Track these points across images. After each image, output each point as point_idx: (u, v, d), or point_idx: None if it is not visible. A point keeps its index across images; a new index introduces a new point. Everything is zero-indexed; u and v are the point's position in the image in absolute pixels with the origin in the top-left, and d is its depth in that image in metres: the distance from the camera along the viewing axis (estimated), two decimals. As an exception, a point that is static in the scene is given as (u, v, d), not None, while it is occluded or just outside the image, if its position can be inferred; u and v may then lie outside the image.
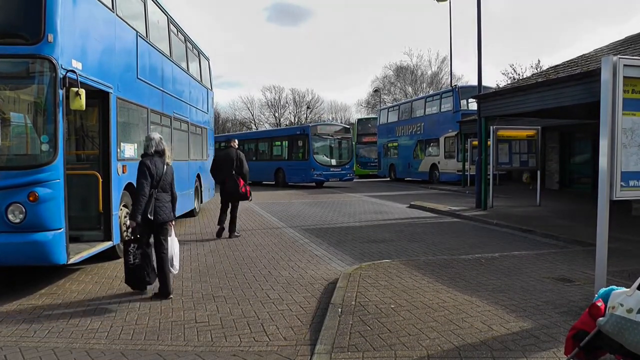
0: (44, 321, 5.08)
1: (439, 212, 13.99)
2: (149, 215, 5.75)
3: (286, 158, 27.72)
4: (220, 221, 10.26)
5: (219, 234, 10.20)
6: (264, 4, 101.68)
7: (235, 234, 10.29)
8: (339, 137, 26.88)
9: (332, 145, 26.59)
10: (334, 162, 26.23)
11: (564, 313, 4.80)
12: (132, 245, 5.82)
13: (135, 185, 8.29)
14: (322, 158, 25.78)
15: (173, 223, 6.16)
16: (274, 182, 27.64)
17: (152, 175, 5.80)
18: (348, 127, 29.81)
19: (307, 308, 5.42)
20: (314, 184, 26.27)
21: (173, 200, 6.13)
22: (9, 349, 4.38)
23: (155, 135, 6.18)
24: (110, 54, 7.67)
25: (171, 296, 5.85)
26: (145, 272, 5.83)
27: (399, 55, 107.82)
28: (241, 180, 10.07)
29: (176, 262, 6.08)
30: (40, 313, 5.34)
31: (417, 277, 6.30)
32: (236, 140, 11.16)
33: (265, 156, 29.59)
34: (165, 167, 6.01)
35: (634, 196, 4.90)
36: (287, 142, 28.24)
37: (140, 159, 6.01)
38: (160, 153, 6.04)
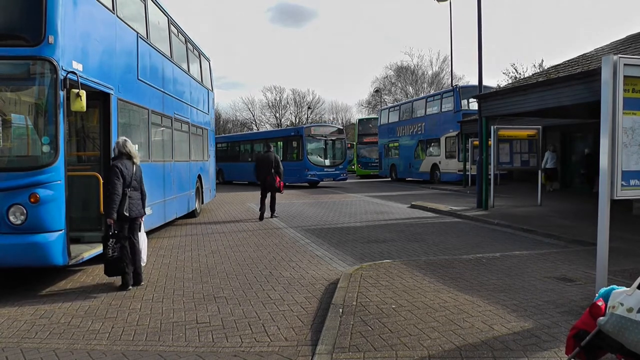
0: (45, 322, 5.09)
1: (440, 212, 13.98)
2: (125, 212, 6.22)
3: (281, 159, 27.84)
4: (261, 208, 13.25)
5: (260, 218, 13.14)
6: (267, 5, 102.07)
7: (275, 214, 13.46)
8: (332, 138, 27.43)
9: (326, 146, 27.13)
10: (327, 162, 26.78)
11: (565, 313, 4.79)
12: (110, 240, 6.20)
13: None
14: (315, 159, 26.30)
15: (142, 219, 6.66)
16: None
17: (123, 176, 6.24)
18: (341, 128, 30.36)
19: (308, 308, 5.42)
20: (307, 184, 26.63)
21: (143, 198, 6.59)
22: (11, 350, 4.39)
23: (120, 139, 6.52)
24: (111, 55, 7.68)
25: (142, 284, 6.50)
26: (124, 263, 6.28)
27: (399, 55, 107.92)
28: (277, 177, 13.07)
29: (144, 256, 6.70)
30: (42, 314, 5.35)
31: (418, 277, 6.29)
32: (272, 146, 14.35)
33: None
34: (134, 167, 6.44)
35: (634, 195, 4.89)
36: (282, 143, 28.80)
37: (111, 162, 6.43)
38: (128, 155, 6.42)
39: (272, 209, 13.48)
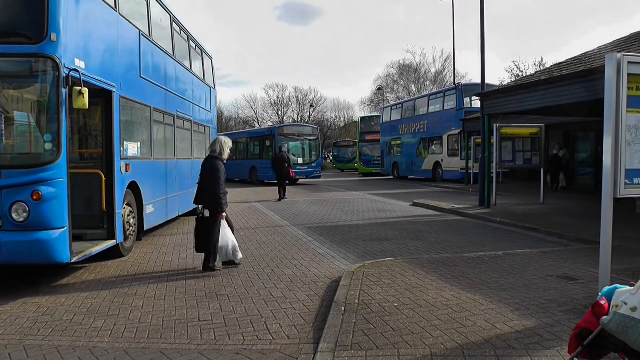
0: (47, 319, 5.09)
1: (442, 210, 13.96)
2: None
3: (258, 157, 29.69)
4: (280, 194, 18.21)
5: (279, 199, 17.93)
6: (275, 3, 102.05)
7: (285, 197, 18.20)
8: (304, 137, 29.05)
9: (298, 145, 28.69)
10: (300, 160, 28.19)
11: (568, 311, 4.78)
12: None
13: (138, 184, 8.45)
14: None
15: (222, 215, 6.99)
16: (249, 180, 29.74)
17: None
18: (315, 127, 32.00)
19: (311, 306, 5.42)
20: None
21: (207, 192, 6.98)
22: (13, 347, 4.39)
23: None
24: (113, 53, 7.68)
25: (205, 273, 6.93)
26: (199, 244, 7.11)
27: (402, 53, 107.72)
28: (290, 170, 18.81)
29: (223, 248, 7.02)
30: (44, 312, 5.36)
31: (421, 275, 6.29)
32: (283, 147, 20.47)
33: (242, 155, 31.62)
34: (206, 164, 7.06)
35: (638, 194, 4.87)
36: (258, 142, 30.39)
37: None
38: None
39: (284, 193, 18.22)
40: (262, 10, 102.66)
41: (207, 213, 7.02)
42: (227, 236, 6.99)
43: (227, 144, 7.20)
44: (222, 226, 6.96)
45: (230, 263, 7.17)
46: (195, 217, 7.26)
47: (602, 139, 4.69)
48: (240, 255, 7.16)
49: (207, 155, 7.28)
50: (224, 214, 7.02)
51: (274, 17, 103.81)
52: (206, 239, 6.97)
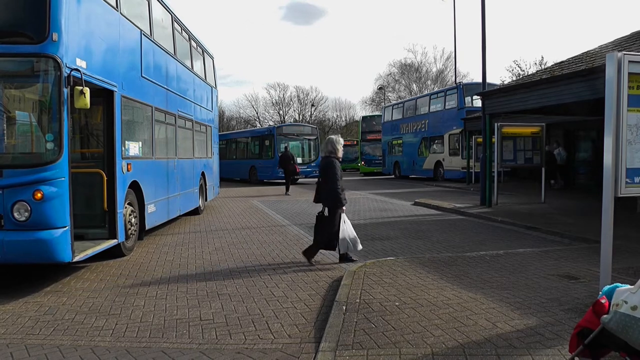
0: (49, 318, 5.11)
1: (443, 210, 13.96)
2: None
3: (257, 157, 29.80)
4: (287, 188, 20.71)
5: (286, 193, 20.32)
6: (279, 3, 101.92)
7: (288, 193, 20.25)
8: (303, 137, 29.24)
9: (297, 144, 28.81)
10: (299, 160, 28.03)
11: (569, 310, 4.78)
12: None
13: (139, 183, 8.47)
14: None
15: (342, 209, 7.22)
16: (248, 179, 29.88)
17: None
18: (314, 127, 32.09)
19: (312, 306, 5.42)
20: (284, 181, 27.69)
21: (326, 190, 7.27)
22: (15, 346, 4.41)
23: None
24: (115, 53, 7.69)
25: (340, 259, 7.43)
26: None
27: (404, 52, 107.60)
28: (295, 166, 21.36)
29: (339, 242, 7.20)
30: (46, 310, 5.37)
31: (422, 274, 6.29)
32: (287, 146, 22.89)
33: (241, 154, 31.90)
34: (322, 164, 7.43)
35: (639, 193, 4.87)
36: (258, 141, 30.46)
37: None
38: None
39: (288, 188, 20.57)
40: (267, 10, 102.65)
41: (326, 212, 7.23)
42: (346, 230, 7.11)
43: (340, 142, 7.41)
44: (342, 220, 7.09)
45: (345, 259, 7.36)
46: (317, 214, 7.51)
47: (602, 137, 4.68)
48: (360, 247, 7.28)
49: (322, 156, 7.54)
50: (344, 208, 7.19)
51: (278, 17, 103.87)
52: (324, 234, 7.24)
